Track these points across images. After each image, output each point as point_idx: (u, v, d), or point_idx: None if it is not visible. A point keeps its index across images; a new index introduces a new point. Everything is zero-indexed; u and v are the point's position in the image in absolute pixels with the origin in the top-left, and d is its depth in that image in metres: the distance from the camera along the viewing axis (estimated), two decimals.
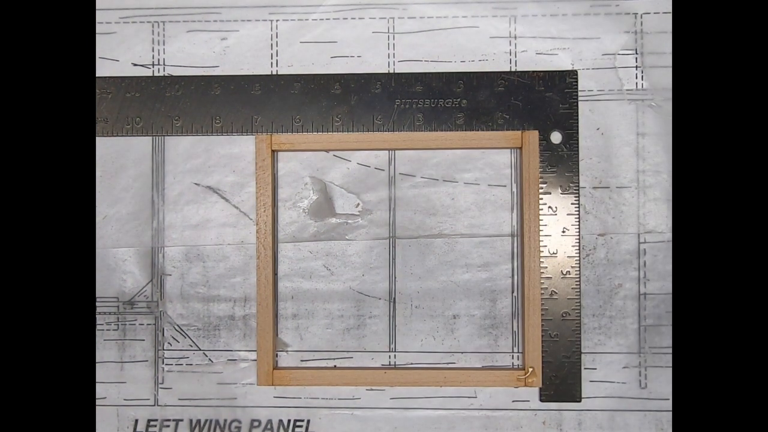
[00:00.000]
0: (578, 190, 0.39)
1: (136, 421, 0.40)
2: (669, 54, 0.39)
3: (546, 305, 0.38)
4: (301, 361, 0.40)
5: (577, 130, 0.39)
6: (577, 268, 0.39)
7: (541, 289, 0.38)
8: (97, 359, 0.40)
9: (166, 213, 0.40)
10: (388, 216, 0.40)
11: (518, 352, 0.39)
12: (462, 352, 0.39)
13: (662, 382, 0.39)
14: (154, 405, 0.40)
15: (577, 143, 0.39)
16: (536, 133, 0.39)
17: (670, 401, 0.39)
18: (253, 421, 0.39)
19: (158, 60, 0.40)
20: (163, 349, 0.40)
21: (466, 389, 0.39)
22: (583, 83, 0.39)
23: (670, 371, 0.39)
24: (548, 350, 0.38)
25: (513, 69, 0.39)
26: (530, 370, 0.38)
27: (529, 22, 0.40)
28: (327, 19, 0.40)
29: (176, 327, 0.40)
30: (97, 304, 0.40)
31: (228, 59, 0.40)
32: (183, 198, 0.40)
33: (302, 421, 0.39)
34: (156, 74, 0.40)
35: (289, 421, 0.39)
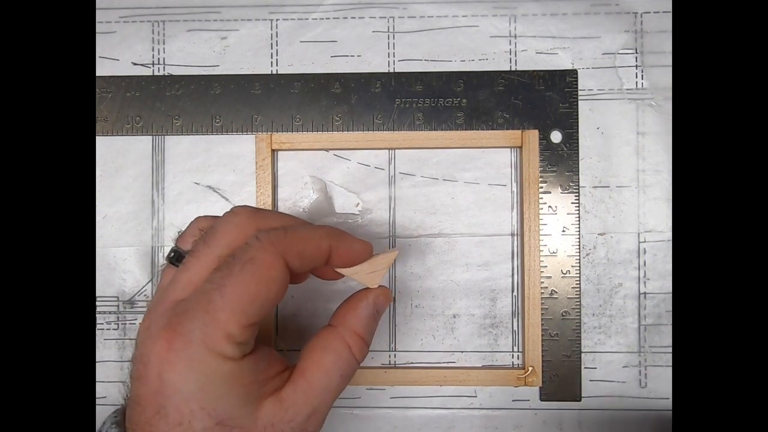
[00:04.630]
0: (578, 189, 0.39)
1: None
2: (669, 53, 0.39)
3: (546, 304, 0.38)
4: None
5: (577, 129, 0.39)
6: (577, 268, 0.39)
7: (541, 288, 0.38)
8: (97, 359, 0.40)
9: (166, 212, 0.40)
10: (388, 215, 0.40)
11: (518, 352, 0.39)
12: (462, 352, 0.39)
13: (662, 382, 0.39)
14: None
15: (577, 142, 0.39)
16: (536, 132, 0.39)
17: (670, 401, 0.39)
18: None
19: (158, 59, 0.40)
20: None
21: (466, 389, 0.39)
22: (583, 82, 0.39)
23: (670, 371, 0.39)
24: (548, 349, 0.38)
25: (513, 68, 0.39)
26: (530, 369, 0.38)
27: (529, 21, 0.40)
28: (327, 18, 0.40)
29: None
30: (97, 303, 0.40)
31: (228, 58, 0.40)
32: (183, 197, 0.40)
33: None
34: (156, 73, 0.40)
35: None
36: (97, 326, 0.40)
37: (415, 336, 0.39)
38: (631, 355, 0.39)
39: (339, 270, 0.29)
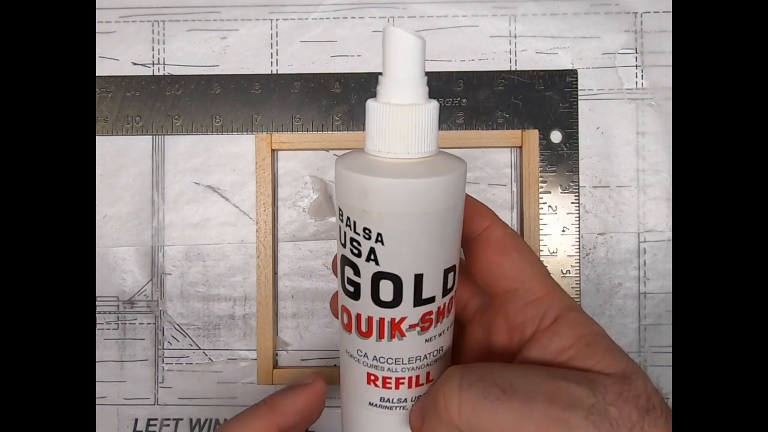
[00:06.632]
0: (578, 189, 0.39)
1: (136, 420, 0.40)
2: (669, 53, 0.39)
3: None
4: (301, 360, 0.40)
5: (577, 129, 0.39)
6: (577, 268, 0.39)
7: None
8: (97, 358, 0.40)
9: (166, 212, 0.40)
10: None
11: None
12: None
13: (662, 382, 0.39)
14: (154, 404, 0.40)
15: (577, 142, 0.39)
16: (536, 132, 0.39)
17: (671, 401, 0.39)
18: None
19: (158, 59, 0.40)
20: (163, 349, 0.40)
21: None
22: (583, 82, 0.39)
23: (670, 371, 0.39)
24: None
25: (513, 68, 0.39)
26: None
27: (529, 21, 0.40)
28: (327, 18, 0.40)
29: (176, 326, 0.40)
30: (97, 303, 0.40)
31: (228, 58, 0.40)
32: (183, 197, 0.40)
33: None
34: (156, 73, 0.40)
35: None
36: (97, 326, 0.40)
37: None
38: (631, 355, 0.39)
39: None
